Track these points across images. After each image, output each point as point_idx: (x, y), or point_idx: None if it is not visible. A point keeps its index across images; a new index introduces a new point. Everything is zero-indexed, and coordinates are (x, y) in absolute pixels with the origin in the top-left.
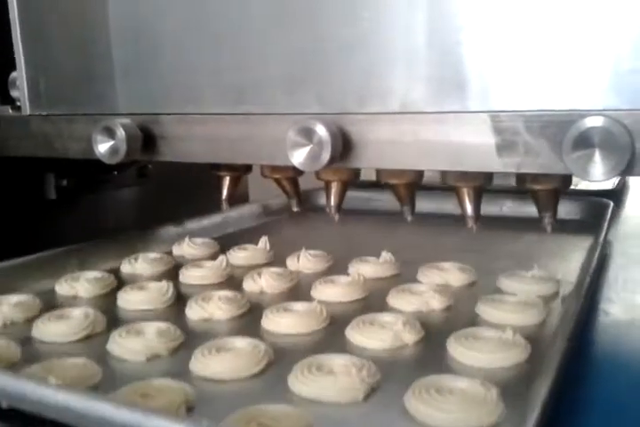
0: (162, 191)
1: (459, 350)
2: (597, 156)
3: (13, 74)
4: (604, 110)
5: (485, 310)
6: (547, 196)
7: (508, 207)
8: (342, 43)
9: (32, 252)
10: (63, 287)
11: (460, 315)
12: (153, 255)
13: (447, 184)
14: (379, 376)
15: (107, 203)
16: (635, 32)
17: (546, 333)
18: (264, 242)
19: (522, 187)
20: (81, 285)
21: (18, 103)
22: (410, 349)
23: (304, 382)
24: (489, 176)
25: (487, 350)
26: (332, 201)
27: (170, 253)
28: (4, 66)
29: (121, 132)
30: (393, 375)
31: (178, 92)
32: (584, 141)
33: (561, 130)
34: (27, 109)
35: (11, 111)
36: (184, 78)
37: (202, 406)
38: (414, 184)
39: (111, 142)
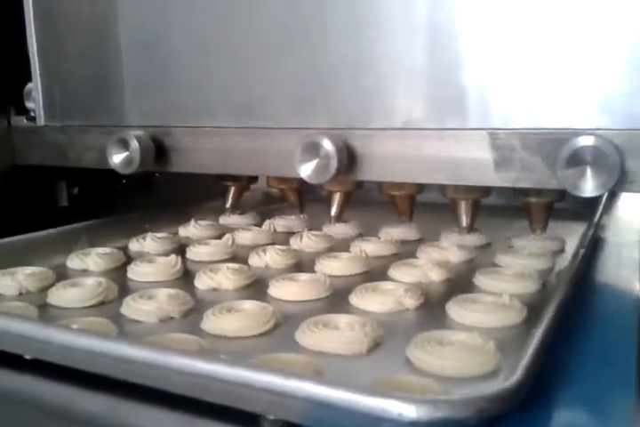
0: (169, 199)
1: (457, 311)
2: (589, 173)
3: (29, 85)
4: (596, 129)
5: (483, 281)
6: (539, 209)
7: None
8: (348, 62)
9: None
10: (74, 262)
11: (458, 286)
12: (160, 235)
13: (447, 197)
14: (381, 332)
15: (116, 211)
16: (625, 57)
17: (541, 300)
18: (268, 224)
19: (517, 200)
20: (91, 259)
21: (32, 114)
22: (410, 312)
23: (310, 336)
24: (487, 189)
25: (485, 311)
26: (333, 211)
27: (176, 234)
28: (20, 78)
29: (135, 144)
30: (395, 334)
31: (188, 105)
32: (577, 159)
33: (555, 148)
34: (41, 120)
35: (26, 122)
36: (194, 93)
37: None
38: (414, 197)
39: (125, 153)
